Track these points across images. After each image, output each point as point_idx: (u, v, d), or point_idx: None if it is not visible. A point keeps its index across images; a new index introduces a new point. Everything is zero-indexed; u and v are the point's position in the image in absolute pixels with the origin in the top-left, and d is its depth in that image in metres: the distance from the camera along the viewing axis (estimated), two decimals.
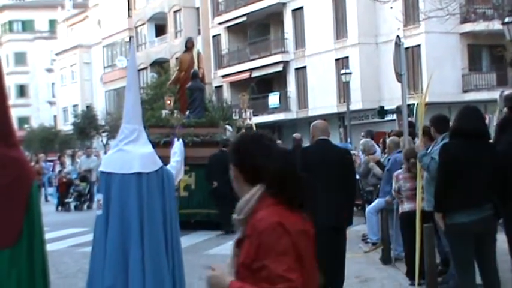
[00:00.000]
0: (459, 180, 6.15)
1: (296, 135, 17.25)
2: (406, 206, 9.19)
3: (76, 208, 24.80)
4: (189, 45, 18.52)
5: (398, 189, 9.37)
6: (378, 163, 12.40)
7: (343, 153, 8.01)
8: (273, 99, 43.87)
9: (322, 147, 7.64)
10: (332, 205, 7.34)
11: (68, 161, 36.44)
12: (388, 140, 11.87)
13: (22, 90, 78.44)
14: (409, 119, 13.67)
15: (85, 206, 24.95)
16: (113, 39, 59.41)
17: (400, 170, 9.58)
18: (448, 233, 6.33)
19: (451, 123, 7.40)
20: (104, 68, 61.49)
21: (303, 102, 42.25)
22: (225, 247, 13.42)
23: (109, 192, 5.93)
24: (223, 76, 46.87)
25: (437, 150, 8.34)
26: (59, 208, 25.06)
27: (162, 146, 14.01)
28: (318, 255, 7.33)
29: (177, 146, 6.81)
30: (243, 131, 18.46)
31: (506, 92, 7.76)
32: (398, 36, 12.54)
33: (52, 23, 76.71)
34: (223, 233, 14.85)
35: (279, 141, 20.64)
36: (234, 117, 19.37)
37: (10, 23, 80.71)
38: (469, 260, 6.30)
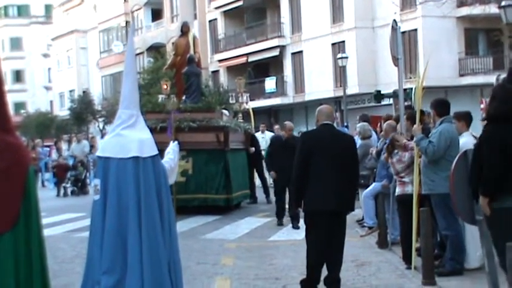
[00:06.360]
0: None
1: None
2: (407, 189, 9.15)
3: (73, 193, 24.82)
4: (184, 29, 18.45)
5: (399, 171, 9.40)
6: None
7: (346, 139, 7.95)
8: (270, 83, 43.82)
9: (325, 131, 7.62)
10: (333, 190, 7.33)
11: (64, 146, 36.38)
12: (384, 124, 11.85)
13: (18, 76, 78.20)
14: (406, 103, 13.68)
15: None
16: (109, 24, 59.21)
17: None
18: (495, 217, 6.21)
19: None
20: (100, 53, 61.29)
21: (299, 86, 42.19)
22: (222, 231, 13.46)
23: (106, 177, 5.92)
24: (220, 61, 46.75)
25: (435, 134, 8.36)
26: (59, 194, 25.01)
27: (158, 132, 14.08)
28: (317, 238, 7.39)
29: (172, 147, 6.62)
30: (239, 115, 18.49)
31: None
32: (394, 20, 12.52)
33: (48, 8, 76.40)
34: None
35: (276, 126, 20.27)
36: (230, 102, 19.35)
37: (5, 7, 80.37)
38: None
